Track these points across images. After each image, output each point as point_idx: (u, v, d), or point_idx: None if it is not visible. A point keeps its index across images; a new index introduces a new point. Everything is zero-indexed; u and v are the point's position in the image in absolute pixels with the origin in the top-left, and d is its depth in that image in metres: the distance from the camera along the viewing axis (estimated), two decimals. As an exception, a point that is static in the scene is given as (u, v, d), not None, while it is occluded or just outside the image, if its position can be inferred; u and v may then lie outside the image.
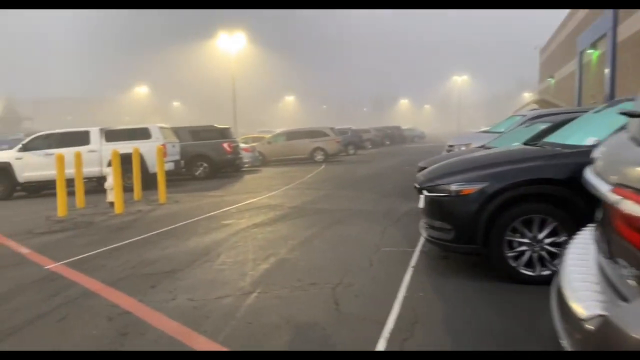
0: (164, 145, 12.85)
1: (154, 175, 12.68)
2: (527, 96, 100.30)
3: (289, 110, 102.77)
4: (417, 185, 4.69)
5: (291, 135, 21.60)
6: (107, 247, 5.99)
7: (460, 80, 77.05)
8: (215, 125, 16.03)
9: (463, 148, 11.28)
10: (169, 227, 7.10)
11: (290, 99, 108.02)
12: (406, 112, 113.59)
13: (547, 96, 26.30)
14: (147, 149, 12.35)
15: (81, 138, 12.87)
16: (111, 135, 12.97)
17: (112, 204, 9.28)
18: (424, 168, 7.04)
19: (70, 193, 9.79)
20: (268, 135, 26.37)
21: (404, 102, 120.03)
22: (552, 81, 33.34)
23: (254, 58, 65.44)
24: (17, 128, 58.14)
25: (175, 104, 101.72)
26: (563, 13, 30.44)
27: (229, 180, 14.38)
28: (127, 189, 11.22)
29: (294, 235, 6.08)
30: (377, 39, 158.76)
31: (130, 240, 6.33)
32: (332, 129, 21.87)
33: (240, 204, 9.09)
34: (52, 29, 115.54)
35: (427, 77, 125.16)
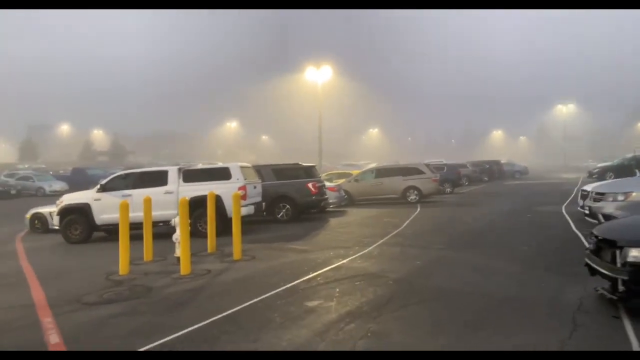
0: (244, 187, 11.54)
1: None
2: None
3: (373, 143, 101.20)
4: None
5: (381, 172, 19.57)
6: (150, 345, 4.35)
7: (565, 109, 69.75)
8: (300, 163, 14.56)
9: (621, 198, 8.48)
10: (238, 308, 5.35)
11: (374, 131, 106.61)
12: (500, 144, 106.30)
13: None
14: (226, 190, 11.07)
15: (159, 178, 11.96)
16: (189, 176, 11.92)
17: (179, 259, 7.90)
18: (611, 243, 4.62)
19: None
20: (354, 171, 24.66)
21: (497, 134, 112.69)
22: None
23: (339, 90, 65.30)
24: (121, 162, 62.85)
25: (264, 137, 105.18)
26: None
27: (313, 226, 12.64)
28: (204, 235, 9.89)
29: (416, 348, 3.96)
30: (468, 61, 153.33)
31: (183, 332, 4.65)
32: (427, 165, 19.50)
33: (327, 268, 7.18)
34: (147, 69, 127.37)
35: (523, 105, 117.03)
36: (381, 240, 9.56)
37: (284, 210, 13.85)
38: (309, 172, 14.44)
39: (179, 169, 12.01)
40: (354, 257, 7.98)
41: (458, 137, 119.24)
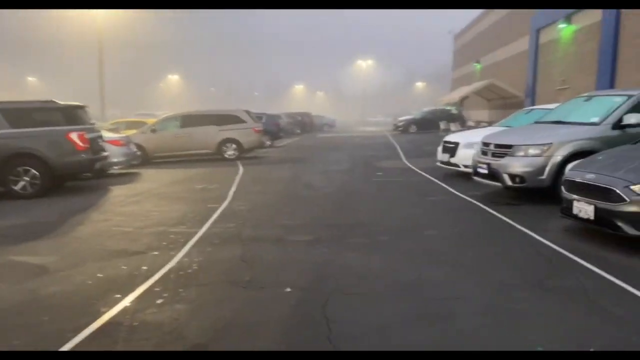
0: None
1: None
2: (421, 86, 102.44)
3: (172, 92, 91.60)
4: None
5: (189, 120, 14.94)
6: None
7: (364, 65, 73.95)
8: (55, 100, 8.99)
9: (534, 152, 6.27)
10: None
11: (174, 77, 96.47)
12: (300, 98, 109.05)
13: (497, 81, 23.18)
14: None
15: None
16: None
17: None
18: None
19: None
20: (150, 120, 19.18)
21: (299, 88, 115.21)
22: (478, 66, 30.91)
23: (131, 25, 54.87)
24: None
25: (31, 79, 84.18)
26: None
27: (78, 204, 7.69)
28: None
29: None
30: (271, 19, 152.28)
31: None
32: (248, 112, 15.65)
33: (85, 334, 2.91)
34: None
35: (322, 62, 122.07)
36: (201, 231, 5.51)
37: (27, 179, 8.35)
38: (72, 116, 9.04)
39: None
40: (149, 284, 3.80)
41: (260, 89, 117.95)
